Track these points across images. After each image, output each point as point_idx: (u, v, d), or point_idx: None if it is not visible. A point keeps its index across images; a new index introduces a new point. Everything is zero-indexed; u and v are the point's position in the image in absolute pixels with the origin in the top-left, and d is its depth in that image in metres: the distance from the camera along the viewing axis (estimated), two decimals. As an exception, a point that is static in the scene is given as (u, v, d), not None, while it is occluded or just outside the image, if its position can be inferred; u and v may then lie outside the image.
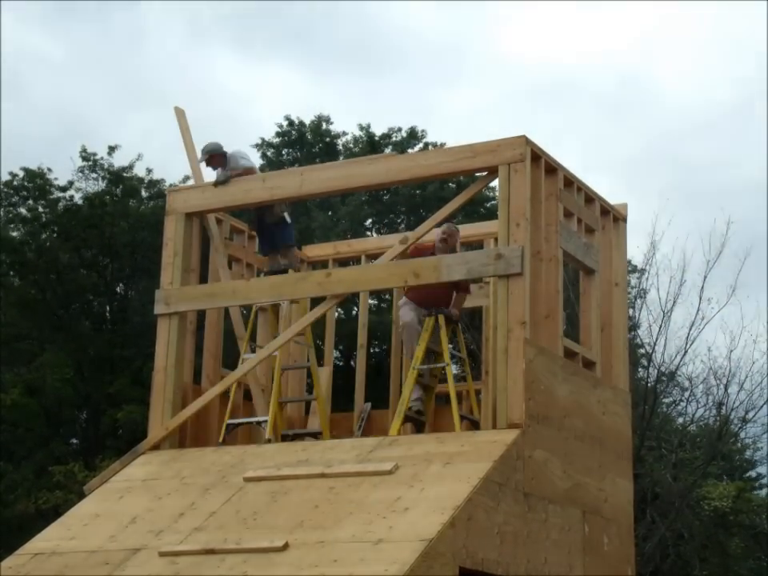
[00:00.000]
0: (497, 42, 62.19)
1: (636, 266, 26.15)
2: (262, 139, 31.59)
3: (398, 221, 30.48)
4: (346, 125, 35.98)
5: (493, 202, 27.38)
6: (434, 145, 30.43)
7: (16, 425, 26.42)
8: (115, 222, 27.56)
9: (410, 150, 29.05)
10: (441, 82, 58.50)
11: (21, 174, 28.42)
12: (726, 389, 25.24)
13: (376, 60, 59.35)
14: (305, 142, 31.40)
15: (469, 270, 9.76)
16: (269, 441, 10.38)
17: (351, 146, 31.33)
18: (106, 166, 28.70)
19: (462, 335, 11.19)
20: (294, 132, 31.82)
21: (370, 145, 30.44)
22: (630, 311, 23.91)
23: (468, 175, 10.38)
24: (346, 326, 24.83)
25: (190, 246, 11.03)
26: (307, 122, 31.89)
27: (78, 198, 28.44)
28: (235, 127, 50.54)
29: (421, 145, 31.04)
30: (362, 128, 31.24)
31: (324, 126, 31.82)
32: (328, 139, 31.41)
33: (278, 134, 31.89)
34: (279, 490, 8.97)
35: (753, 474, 34.07)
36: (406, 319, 10.89)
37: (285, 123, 31.94)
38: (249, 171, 11.21)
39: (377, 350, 28.04)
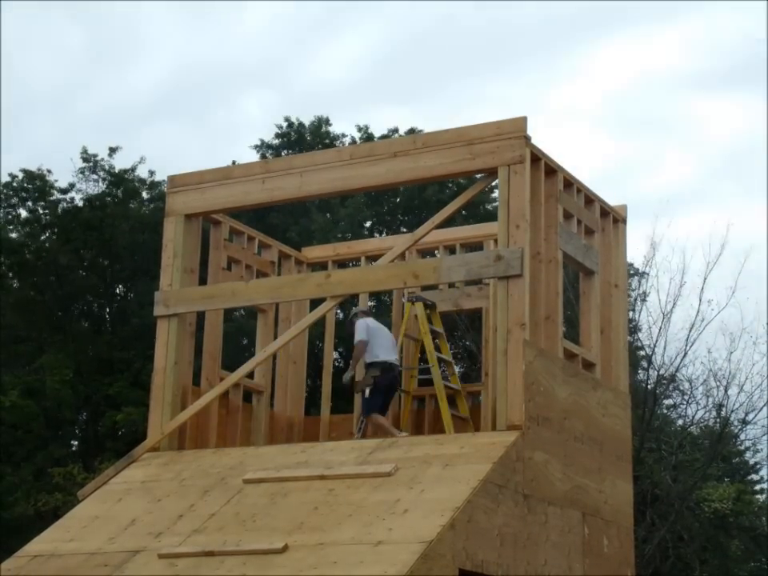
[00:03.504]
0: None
1: (637, 269, 26.12)
2: (262, 141, 31.51)
3: (398, 223, 30.40)
4: (344, 126, 35.67)
5: (494, 204, 27.33)
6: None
7: (15, 426, 26.36)
8: (115, 223, 27.53)
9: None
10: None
11: (20, 175, 28.41)
12: (725, 390, 25.20)
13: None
14: (304, 144, 31.28)
15: (468, 272, 9.76)
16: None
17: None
18: (106, 167, 28.68)
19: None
20: (293, 133, 31.71)
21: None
22: (630, 314, 23.87)
23: (468, 176, 10.36)
24: (345, 328, 24.77)
25: (190, 248, 11.03)
26: (306, 123, 31.78)
27: (78, 199, 28.45)
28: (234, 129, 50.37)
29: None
30: (360, 129, 31.20)
31: (323, 127, 31.73)
32: (327, 141, 31.30)
33: (277, 135, 31.78)
34: (279, 492, 8.96)
35: (754, 477, 34.03)
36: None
37: (284, 124, 31.84)
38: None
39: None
